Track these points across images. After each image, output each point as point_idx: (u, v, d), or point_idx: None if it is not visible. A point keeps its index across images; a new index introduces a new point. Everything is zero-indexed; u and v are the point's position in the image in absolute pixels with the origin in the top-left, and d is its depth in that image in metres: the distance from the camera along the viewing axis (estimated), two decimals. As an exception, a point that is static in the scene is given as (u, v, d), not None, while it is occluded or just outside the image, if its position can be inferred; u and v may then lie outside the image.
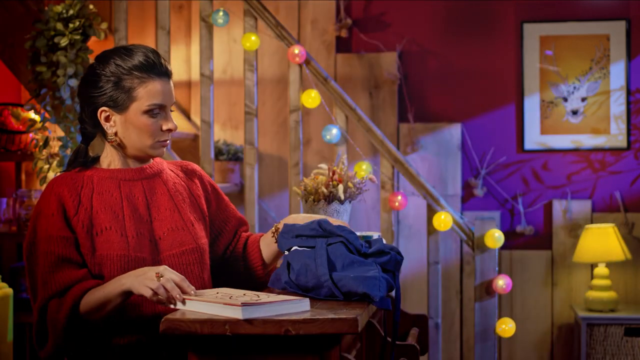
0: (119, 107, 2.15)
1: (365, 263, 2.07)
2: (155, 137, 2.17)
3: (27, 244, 2.13)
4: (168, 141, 2.20)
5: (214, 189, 2.39)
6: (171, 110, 2.21)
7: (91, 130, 2.21)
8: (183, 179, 2.32)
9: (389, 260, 2.13)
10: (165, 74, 2.17)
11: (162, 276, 1.95)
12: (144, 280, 1.96)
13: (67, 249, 2.09)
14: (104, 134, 2.20)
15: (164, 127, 2.17)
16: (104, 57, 2.18)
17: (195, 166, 2.40)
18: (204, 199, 2.33)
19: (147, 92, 2.14)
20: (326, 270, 2.02)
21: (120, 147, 2.20)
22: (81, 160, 2.23)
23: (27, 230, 2.15)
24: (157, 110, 2.16)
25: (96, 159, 2.25)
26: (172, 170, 2.32)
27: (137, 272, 2.01)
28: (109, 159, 2.23)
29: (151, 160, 2.28)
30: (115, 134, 2.18)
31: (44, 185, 3.84)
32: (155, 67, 2.15)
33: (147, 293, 1.95)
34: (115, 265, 2.10)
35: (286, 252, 2.16)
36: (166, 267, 1.99)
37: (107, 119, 2.17)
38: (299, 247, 2.14)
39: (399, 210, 4.36)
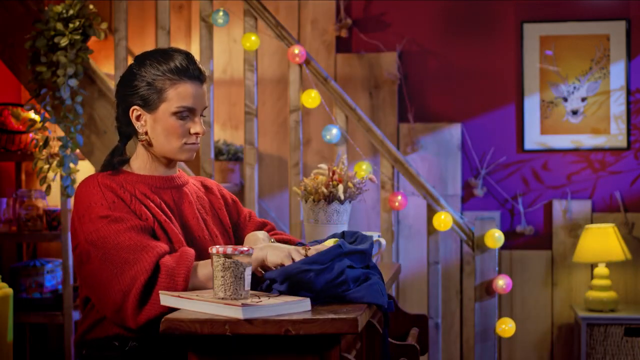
0: (149, 106, 2.18)
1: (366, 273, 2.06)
2: (182, 139, 2.20)
3: (85, 235, 2.08)
4: (196, 145, 2.22)
5: (233, 200, 2.44)
6: (202, 116, 2.23)
7: (125, 129, 2.25)
8: (204, 193, 2.38)
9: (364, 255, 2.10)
10: (198, 78, 2.20)
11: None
12: (280, 254, 2.01)
13: (143, 222, 2.11)
14: (135, 133, 2.23)
15: (192, 131, 2.20)
16: (142, 58, 2.22)
17: (213, 181, 2.46)
18: (224, 210, 2.39)
19: (177, 94, 2.17)
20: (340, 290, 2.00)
21: (150, 146, 2.22)
22: (116, 160, 2.25)
23: (78, 225, 2.11)
24: (186, 113, 2.19)
25: (124, 161, 2.27)
26: (194, 184, 2.38)
27: (271, 245, 2.05)
28: (139, 161, 2.25)
29: (177, 170, 2.32)
30: (146, 133, 2.21)
31: (43, 186, 3.83)
32: (188, 70, 2.18)
33: (287, 261, 2.00)
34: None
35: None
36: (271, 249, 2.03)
37: (139, 118, 2.21)
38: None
39: (399, 210, 4.36)
